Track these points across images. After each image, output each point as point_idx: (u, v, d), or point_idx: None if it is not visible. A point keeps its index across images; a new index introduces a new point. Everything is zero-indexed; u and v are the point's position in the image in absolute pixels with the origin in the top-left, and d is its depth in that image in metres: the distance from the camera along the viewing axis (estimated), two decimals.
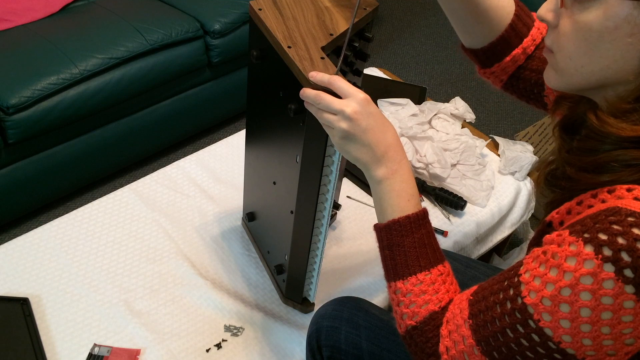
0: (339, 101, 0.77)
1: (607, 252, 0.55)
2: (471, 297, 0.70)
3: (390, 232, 0.77)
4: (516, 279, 0.64)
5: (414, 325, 0.74)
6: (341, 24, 0.94)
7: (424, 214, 0.78)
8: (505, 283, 0.66)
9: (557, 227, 0.67)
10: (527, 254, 0.67)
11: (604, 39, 0.61)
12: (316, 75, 0.80)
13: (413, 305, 0.74)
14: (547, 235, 0.63)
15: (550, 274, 0.60)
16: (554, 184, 0.72)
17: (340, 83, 0.78)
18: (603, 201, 0.62)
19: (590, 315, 0.57)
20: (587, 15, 0.61)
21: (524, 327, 0.62)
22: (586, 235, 0.57)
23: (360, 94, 0.76)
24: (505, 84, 1.01)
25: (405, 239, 0.76)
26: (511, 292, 0.64)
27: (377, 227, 0.80)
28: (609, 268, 0.55)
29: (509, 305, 0.64)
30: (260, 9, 0.95)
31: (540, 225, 0.70)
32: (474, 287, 0.72)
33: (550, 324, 0.60)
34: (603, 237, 0.56)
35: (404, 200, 0.77)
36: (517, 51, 0.94)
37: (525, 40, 0.94)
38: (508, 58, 0.95)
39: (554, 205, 0.69)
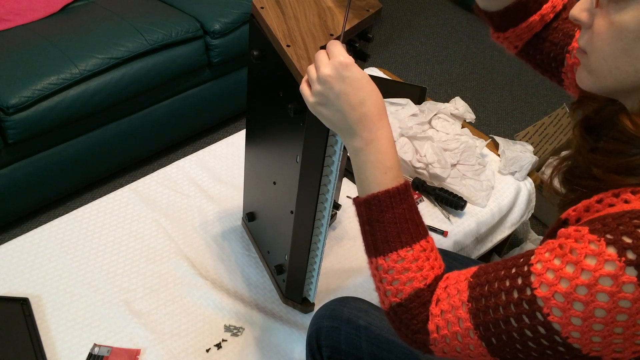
0: (317, 65, 0.74)
1: (630, 255, 0.54)
2: (471, 280, 0.68)
3: (369, 208, 0.74)
4: (526, 269, 0.62)
5: (398, 302, 0.72)
6: (342, 25, 0.94)
7: (405, 188, 0.74)
8: (514, 271, 0.64)
9: (572, 225, 0.65)
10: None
11: None
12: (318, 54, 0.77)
13: (396, 282, 0.72)
14: (564, 229, 0.62)
15: (567, 270, 0.58)
16: (574, 182, 0.70)
17: (332, 46, 0.75)
18: (626, 201, 0.61)
19: (604, 316, 0.56)
20: (623, 16, 0.60)
21: (530, 319, 0.61)
22: (609, 236, 0.56)
23: (340, 58, 0.73)
24: (520, 51, 0.97)
25: (385, 214, 0.73)
26: (519, 281, 0.62)
27: (355, 201, 0.76)
28: (631, 272, 0.54)
29: (516, 294, 0.62)
30: (262, 7, 0.95)
31: (555, 222, 0.69)
32: (473, 269, 0.70)
33: (560, 319, 0.59)
34: (627, 240, 0.55)
35: (380, 173, 0.74)
36: (534, 18, 0.90)
37: (544, 6, 0.89)
38: (524, 24, 0.91)
39: (572, 203, 0.68)
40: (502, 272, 0.65)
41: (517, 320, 0.62)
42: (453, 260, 1.18)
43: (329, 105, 0.74)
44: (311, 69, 0.76)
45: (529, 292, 0.61)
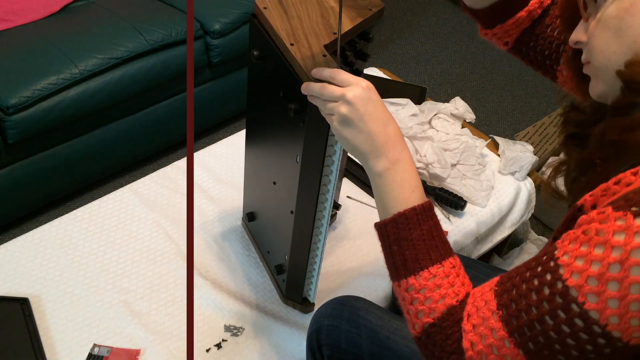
0: (340, 88, 0.76)
1: None
2: (496, 288, 0.67)
3: (396, 226, 0.73)
4: (552, 263, 0.61)
5: (431, 322, 0.70)
6: (345, 24, 0.94)
7: (430, 205, 0.74)
8: (539, 269, 0.62)
9: (588, 211, 0.64)
10: (555, 241, 0.64)
11: (625, 20, 0.63)
12: (319, 71, 0.80)
13: (429, 301, 0.70)
14: (583, 216, 0.61)
15: (595, 252, 0.57)
16: (588, 164, 0.69)
17: (342, 75, 0.77)
18: None
19: None
20: (606, 11, 0.65)
21: (566, 312, 0.59)
22: (634, 208, 0.55)
23: (363, 82, 0.76)
24: (511, 48, 0.98)
25: (413, 232, 0.72)
26: (548, 277, 0.61)
27: (380, 224, 0.76)
28: None
29: (547, 290, 0.60)
30: (265, 7, 0.95)
31: (569, 210, 0.67)
32: (496, 279, 0.69)
33: (597, 305, 0.57)
34: None
35: (407, 192, 0.74)
36: (521, 14, 0.91)
37: (531, 2, 0.90)
38: (511, 20, 0.92)
39: (588, 188, 0.66)
40: (528, 274, 0.64)
41: (553, 317, 0.60)
42: (467, 267, 1.17)
43: (354, 126, 0.76)
44: (334, 89, 0.77)
45: (560, 285, 0.59)
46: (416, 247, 0.72)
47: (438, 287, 0.70)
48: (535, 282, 0.62)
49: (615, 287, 0.56)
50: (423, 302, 0.71)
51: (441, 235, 0.74)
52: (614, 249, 0.56)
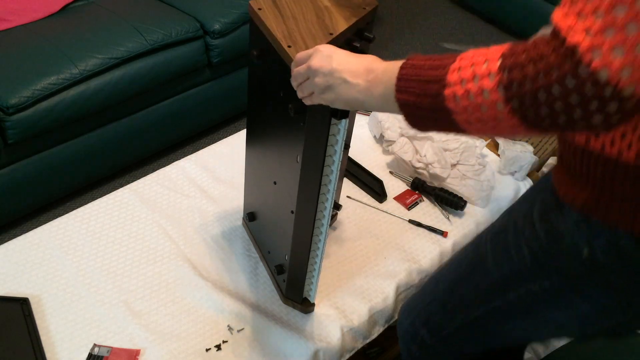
0: (303, 65, 0.81)
1: None
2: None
3: (404, 71, 0.71)
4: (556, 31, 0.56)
5: (498, 66, 0.60)
6: (341, 23, 0.94)
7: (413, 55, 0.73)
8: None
9: None
10: None
11: None
12: (292, 72, 0.84)
13: (472, 67, 0.63)
14: None
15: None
16: None
17: (299, 56, 0.82)
18: None
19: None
20: None
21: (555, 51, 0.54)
22: None
23: (318, 47, 0.80)
24: None
25: (418, 62, 0.70)
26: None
27: (395, 90, 0.72)
28: None
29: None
30: (259, 9, 0.95)
31: None
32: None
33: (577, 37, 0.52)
34: None
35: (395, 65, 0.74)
36: None
37: None
38: None
39: None
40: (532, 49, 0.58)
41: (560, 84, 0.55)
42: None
43: (334, 85, 0.78)
44: (298, 69, 0.82)
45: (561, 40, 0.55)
46: (427, 65, 0.69)
47: (472, 64, 0.64)
48: (540, 49, 0.57)
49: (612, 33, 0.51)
50: (472, 74, 0.63)
51: (441, 56, 0.70)
52: None
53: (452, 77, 0.65)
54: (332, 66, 0.77)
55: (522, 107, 0.59)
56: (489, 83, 0.61)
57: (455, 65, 0.66)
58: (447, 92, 0.66)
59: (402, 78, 0.71)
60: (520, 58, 0.59)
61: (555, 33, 0.57)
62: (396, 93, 0.72)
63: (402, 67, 0.72)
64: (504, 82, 0.60)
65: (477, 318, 0.97)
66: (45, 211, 1.96)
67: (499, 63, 0.61)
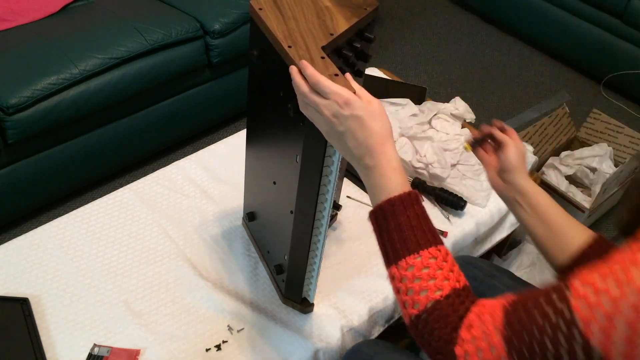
0: (321, 102, 0.78)
1: None
2: (508, 307, 0.65)
3: (375, 217, 0.77)
4: (566, 292, 0.60)
5: (416, 314, 0.70)
6: (342, 24, 0.94)
7: (408, 196, 0.75)
8: (553, 295, 0.61)
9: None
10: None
11: None
12: (306, 69, 0.80)
13: (410, 292, 0.71)
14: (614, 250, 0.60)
15: (612, 290, 0.56)
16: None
17: (323, 85, 0.77)
18: None
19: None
20: None
21: (568, 341, 0.59)
22: None
23: (343, 95, 0.76)
24: None
25: (389, 222, 0.75)
26: (557, 303, 0.60)
27: (369, 214, 0.80)
28: None
29: (553, 316, 0.60)
30: (260, 9, 0.94)
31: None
32: (511, 297, 0.68)
33: (601, 341, 0.56)
34: None
35: (392, 183, 0.77)
36: None
37: None
38: None
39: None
40: (541, 298, 0.63)
41: (554, 343, 0.59)
42: (474, 267, 1.17)
43: (338, 139, 0.79)
44: (314, 100, 0.78)
45: (567, 314, 0.59)
46: (392, 237, 0.74)
47: (417, 278, 0.71)
48: (544, 306, 0.61)
49: (624, 328, 0.55)
50: (405, 292, 0.72)
51: (421, 224, 0.74)
52: (631, 290, 0.55)
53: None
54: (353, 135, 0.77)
55: None
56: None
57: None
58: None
59: (383, 216, 0.76)
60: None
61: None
62: (373, 214, 0.78)
63: (390, 213, 0.75)
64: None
65: None
66: (45, 211, 1.96)
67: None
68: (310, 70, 0.79)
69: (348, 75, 0.82)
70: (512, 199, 1.00)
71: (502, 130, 1.05)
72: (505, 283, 1.13)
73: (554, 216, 0.95)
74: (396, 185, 0.77)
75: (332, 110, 0.76)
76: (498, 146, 1.04)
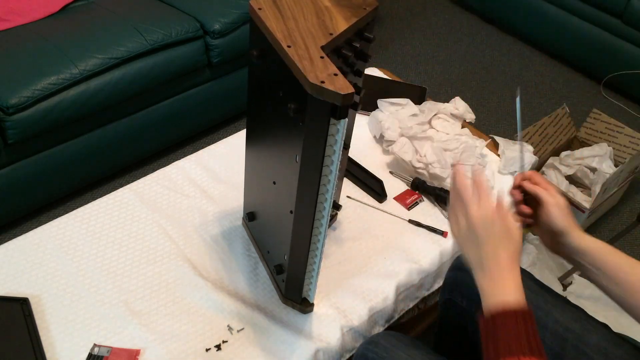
0: (472, 205, 0.84)
1: None
2: None
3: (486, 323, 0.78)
4: None
5: None
6: (341, 24, 0.94)
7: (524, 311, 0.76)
8: None
9: None
10: None
11: None
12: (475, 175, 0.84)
13: None
14: None
15: None
16: None
17: (482, 191, 0.83)
18: None
19: None
20: None
21: None
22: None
23: (490, 209, 0.82)
24: None
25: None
26: None
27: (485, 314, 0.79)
28: None
29: None
30: (260, 8, 0.95)
31: None
32: None
33: None
34: None
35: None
36: None
37: None
38: None
39: None
40: None
41: None
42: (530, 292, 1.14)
43: (467, 242, 0.83)
44: (472, 204, 0.84)
45: None
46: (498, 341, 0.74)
47: None
48: None
49: None
50: None
51: (529, 331, 0.74)
52: None
53: None
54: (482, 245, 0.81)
55: None
56: None
57: None
58: None
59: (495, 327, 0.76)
60: None
61: None
62: (483, 316, 0.78)
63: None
64: None
65: None
66: (45, 211, 1.96)
67: None
68: (483, 181, 0.86)
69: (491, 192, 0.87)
70: (574, 261, 0.91)
71: (533, 181, 0.96)
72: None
73: (629, 275, 0.84)
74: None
75: (478, 216, 0.83)
76: (536, 202, 0.95)
